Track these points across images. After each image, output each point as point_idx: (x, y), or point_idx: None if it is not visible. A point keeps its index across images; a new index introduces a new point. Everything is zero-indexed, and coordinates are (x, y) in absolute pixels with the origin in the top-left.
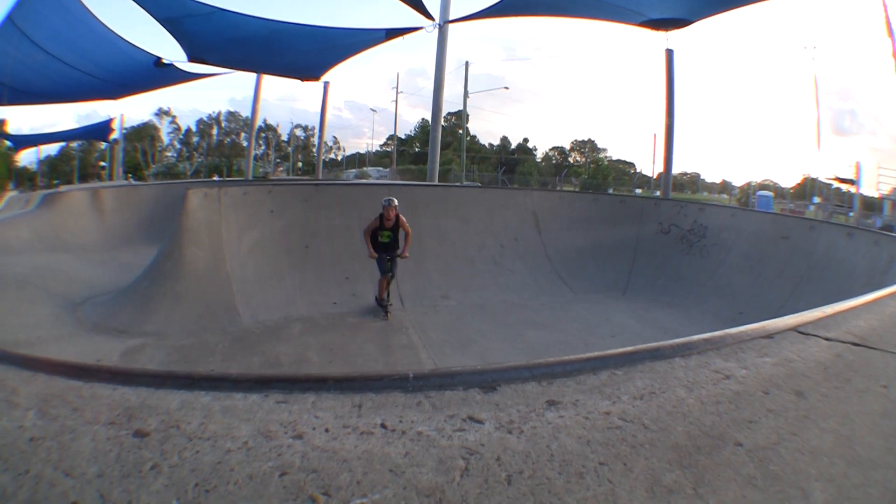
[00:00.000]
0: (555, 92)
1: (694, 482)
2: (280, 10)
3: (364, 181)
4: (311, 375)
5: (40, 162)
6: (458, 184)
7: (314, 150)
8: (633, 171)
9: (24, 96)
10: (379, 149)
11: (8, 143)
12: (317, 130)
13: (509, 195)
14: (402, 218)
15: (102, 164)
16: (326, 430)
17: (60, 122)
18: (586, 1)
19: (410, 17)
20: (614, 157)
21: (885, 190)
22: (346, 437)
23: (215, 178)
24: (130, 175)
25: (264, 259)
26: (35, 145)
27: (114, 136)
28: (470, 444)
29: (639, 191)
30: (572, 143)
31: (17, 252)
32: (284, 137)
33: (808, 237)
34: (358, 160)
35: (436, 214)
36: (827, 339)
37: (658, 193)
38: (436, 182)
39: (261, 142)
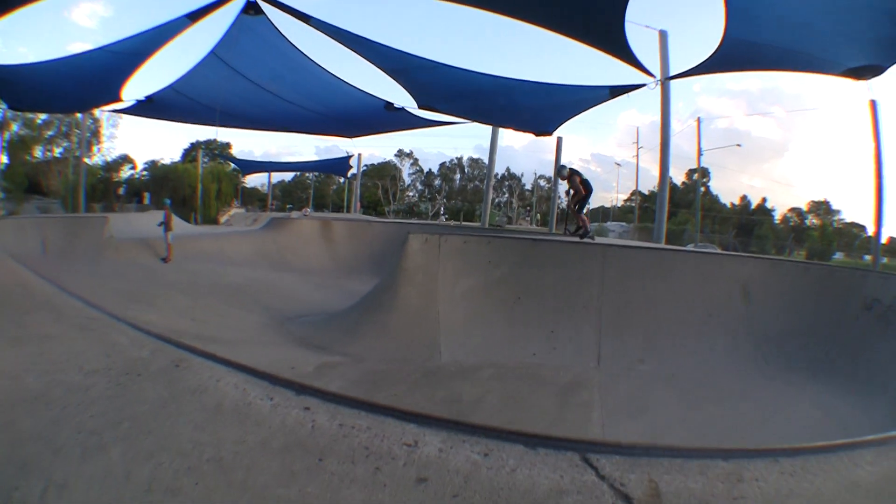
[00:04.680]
0: (796, 148)
1: None
2: (500, 67)
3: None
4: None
5: (272, 186)
6: (675, 247)
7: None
8: (864, 235)
9: (238, 121)
10: (624, 203)
11: (234, 165)
12: (553, 184)
13: (721, 262)
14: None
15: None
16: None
17: (301, 150)
18: (791, 55)
19: (633, 74)
20: (849, 220)
21: None
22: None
23: (452, 223)
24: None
25: (475, 305)
26: (264, 171)
27: (352, 171)
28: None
29: (867, 257)
30: (809, 203)
31: (235, 264)
32: (528, 187)
33: None
34: (602, 214)
35: (646, 278)
36: None
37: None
38: (661, 244)
39: (504, 189)
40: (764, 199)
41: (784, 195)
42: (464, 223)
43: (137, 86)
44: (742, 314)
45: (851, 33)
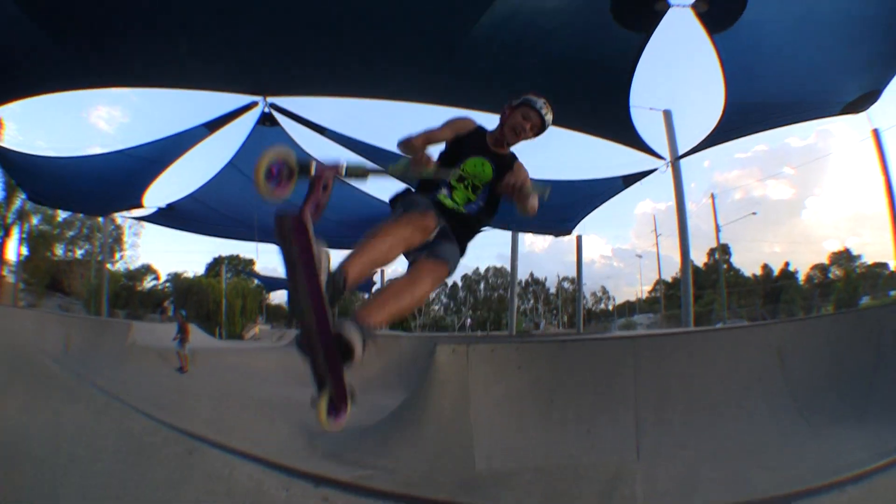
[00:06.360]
0: (812, 203)
1: None
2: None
3: (608, 334)
4: None
5: None
6: (703, 328)
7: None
8: (886, 273)
9: (260, 234)
10: (649, 294)
11: (258, 281)
12: (577, 284)
13: (751, 332)
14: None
15: None
16: None
17: None
18: (791, 107)
19: (643, 159)
20: (871, 262)
21: None
22: None
23: (479, 333)
24: None
25: (509, 410)
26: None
27: (375, 286)
28: None
29: (893, 293)
30: (829, 255)
31: (261, 379)
32: (552, 290)
33: None
34: (628, 308)
35: (681, 361)
36: None
37: None
38: (690, 327)
39: (529, 295)
40: (786, 264)
41: (806, 253)
42: (491, 332)
43: (159, 194)
44: (779, 379)
45: (843, 63)
